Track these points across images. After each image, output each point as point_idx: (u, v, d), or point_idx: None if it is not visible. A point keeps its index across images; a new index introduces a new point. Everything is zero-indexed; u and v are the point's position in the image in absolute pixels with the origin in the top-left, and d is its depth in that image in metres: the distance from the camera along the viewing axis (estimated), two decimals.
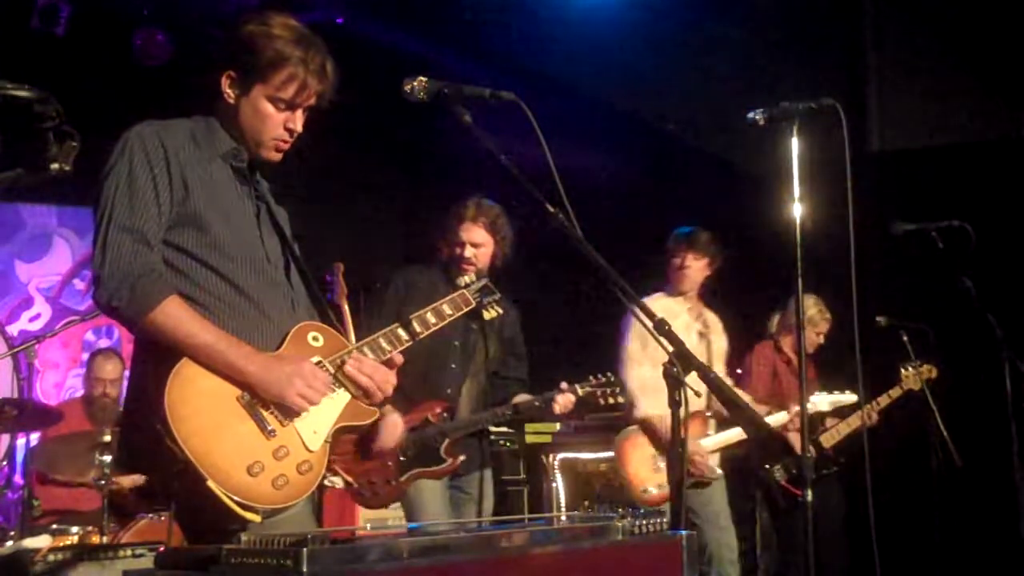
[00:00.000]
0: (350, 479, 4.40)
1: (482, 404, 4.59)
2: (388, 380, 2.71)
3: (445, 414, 4.47)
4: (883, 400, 5.65)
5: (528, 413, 4.59)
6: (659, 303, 5.06)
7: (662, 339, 2.57)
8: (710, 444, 5.04)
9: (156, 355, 2.47)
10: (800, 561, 5.16)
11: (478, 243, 4.53)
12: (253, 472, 2.42)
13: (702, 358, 5.05)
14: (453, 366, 4.53)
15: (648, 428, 4.96)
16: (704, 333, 5.17)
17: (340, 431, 2.66)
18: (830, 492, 5.82)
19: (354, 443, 4.37)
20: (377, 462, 4.38)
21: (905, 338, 5.56)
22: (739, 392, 5.01)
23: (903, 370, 5.62)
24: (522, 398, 4.57)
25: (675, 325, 4.99)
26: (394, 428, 4.26)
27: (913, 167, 6.99)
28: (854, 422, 5.66)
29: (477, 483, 4.59)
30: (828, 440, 5.76)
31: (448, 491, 4.54)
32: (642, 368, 4.90)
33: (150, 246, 2.50)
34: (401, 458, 4.38)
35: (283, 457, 2.49)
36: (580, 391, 4.53)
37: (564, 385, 4.51)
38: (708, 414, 5.02)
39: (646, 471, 4.95)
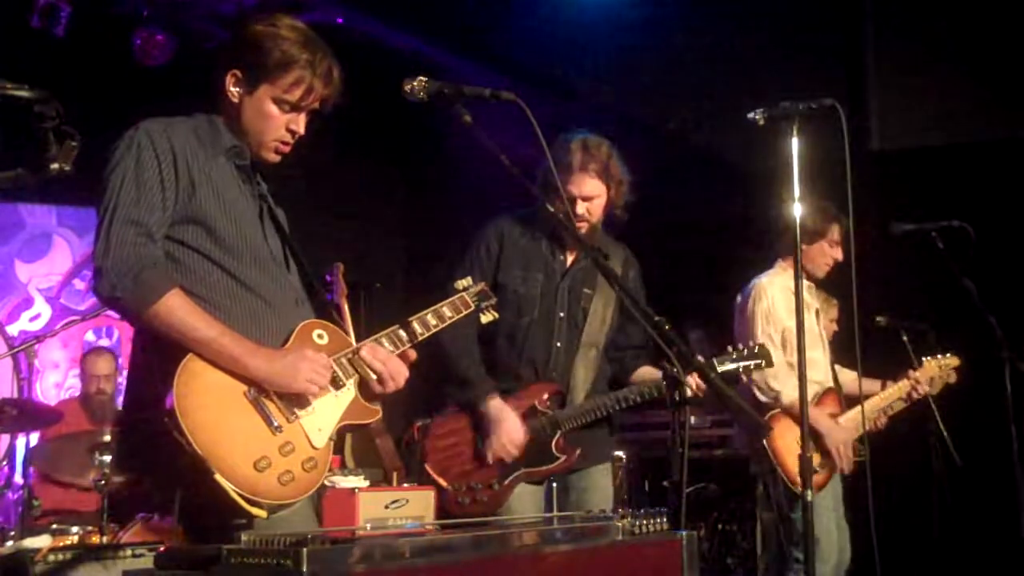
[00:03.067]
0: (444, 482, 3.87)
1: (600, 384, 3.99)
2: (400, 371, 2.73)
3: (554, 400, 3.89)
4: (897, 405, 5.48)
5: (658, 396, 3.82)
6: (780, 279, 4.82)
7: (660, 339, 2.56)
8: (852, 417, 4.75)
9: (161, 350, 2.48)
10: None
11: (591, 195, 3.89)
12: (260, 467, 2.43)
13: (815, 335, 4.84)
14: (558, 344, 3.93)
15: (795, 413, 4.48)
16: (819, 311, 4.98)
17: (343, 429, 2.67)
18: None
19: (449, 439, 3.89)
20: (476, 462, 3.84)
21: (905, 338, 5.55)
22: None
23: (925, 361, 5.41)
24: (646, 372, 4.00)
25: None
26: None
27: (913, 167, 6.99)
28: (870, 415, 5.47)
29: (589, 478, 3.95)
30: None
31: (548, 492, 3.94)
32: (776, 351, 4.52)
33: (153, 240, 2.52)
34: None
35: (289, 453, 2.50)
36: (719, 366, 3.86)
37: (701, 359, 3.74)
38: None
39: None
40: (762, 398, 4.64)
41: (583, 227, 3.89)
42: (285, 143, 2.75)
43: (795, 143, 3.28)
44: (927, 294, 5.63)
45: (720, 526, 6.23)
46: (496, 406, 3.81)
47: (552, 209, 3.60)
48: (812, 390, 4.71)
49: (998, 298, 4.83)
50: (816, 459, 4.60)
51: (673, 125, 7.90)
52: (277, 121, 2.70)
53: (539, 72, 7.94)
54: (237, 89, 2.70)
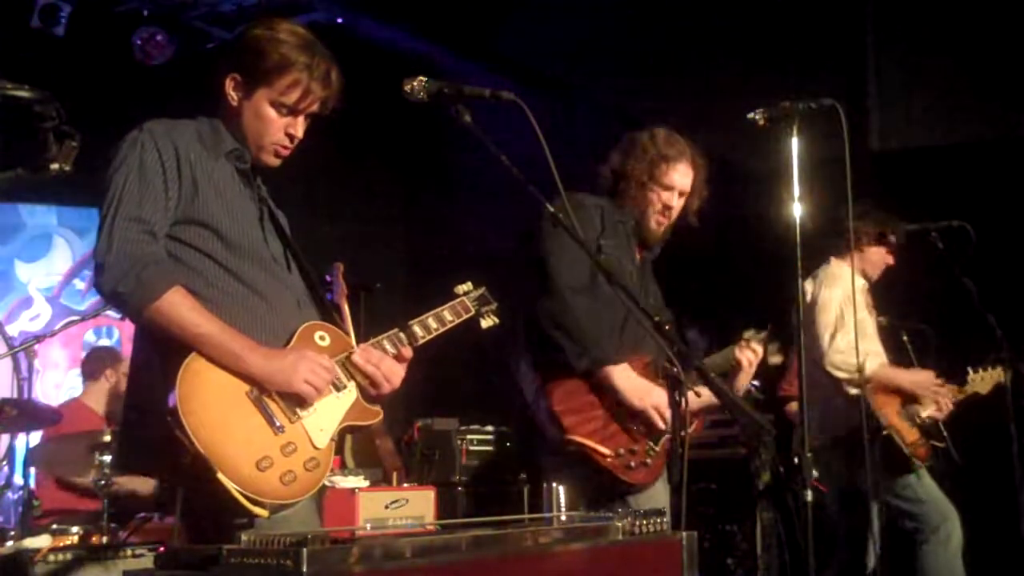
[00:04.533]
0: (607, 449, 3.48)
1: None
2: (395, 371, 2.73)
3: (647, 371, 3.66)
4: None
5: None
6: (859, 282, 4.90)
7: (660, 339, 2.56)
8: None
9: (163, 350, 2.49)
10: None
11: (685, 190, 3.80)
12: (262, 467, 2.43)
13: (873, 333, 4.93)
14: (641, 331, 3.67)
15: (883, 383, 4.75)
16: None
17: (345, 430, 2.67)
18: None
19: (579, 402, 3.52)
20: (621, 425, 3.54)
21: (905, 338, 5.54)
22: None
23: (971, 372, 5.29)
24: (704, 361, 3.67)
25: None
26: None
27: (913, 167, 6.99)
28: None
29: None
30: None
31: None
32: (847, 335, 4.66)
33: (156, 238, 2.54)
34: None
35: (291, 453, 2.50)
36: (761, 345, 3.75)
37: (748, 334, 3.80)
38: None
39: (906, 425, 4.80)
40: (841, 375, 4.68)
41: (664, 223, 3.81)
42: (284, 147, 2.76)
43: (795, 143, 3.27)
44: (927, 294, 5.63)
45: (720, 526, 6.22)
46: (627, 368, 3.55)
47: (642, 197, 3.71)
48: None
49: (998, 298, 4.83)
50: (915, 435, 4.78)
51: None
52: (275, 124, 2.71)
53: (539, 72, 7.95)
54: (236, 93, 2.71)
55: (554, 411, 3.53)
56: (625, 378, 3.55)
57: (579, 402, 3.55)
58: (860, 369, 4.57)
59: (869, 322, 4.85)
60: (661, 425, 3.51)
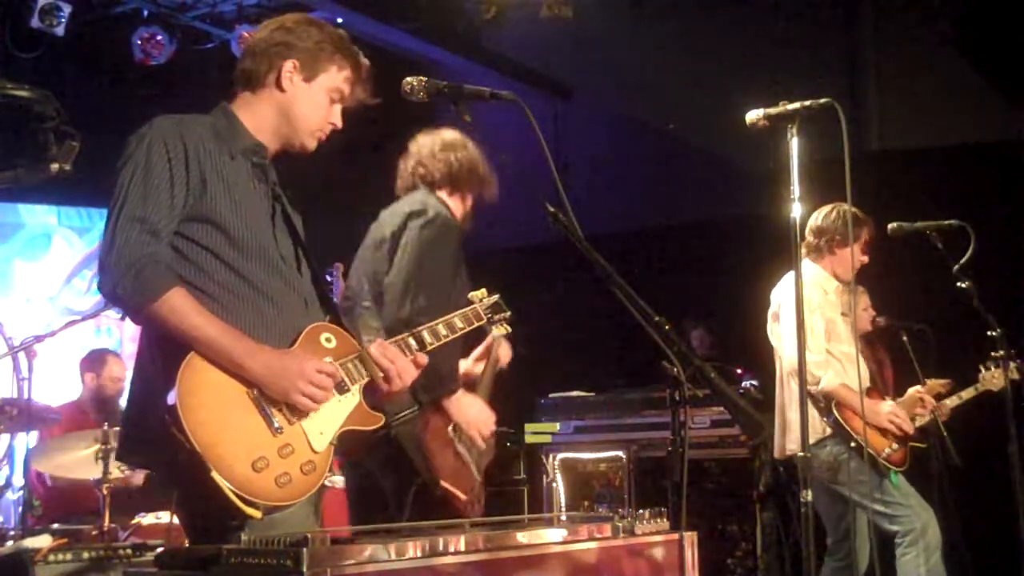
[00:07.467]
0: (463, 495, 3.53)
1: None
2: (408, 369, 2.75)
3: None
4: (952, 401, 5.33)
5: None
6: (832, 283, 4.93)
7: (660, 340, 2.56)
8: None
9: (166, 347, 2.49)
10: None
11: None
12: (257, 468, 2.42)
13: (850, 336, 4.83)
14: None
15: (843, 399, 4.67)
16: (846, 314, 4.99)
17: (345, 435, 2.66)
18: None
19: (440, 442, 3.50)
20: (462, 461, 3.60)
21: (905, 338, 5.54)
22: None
23: (983, 370, 5.27)
24: None
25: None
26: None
27: (913, 167, 6.99)
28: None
29: None
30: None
31: None
32: (816, 339, 4.67)
33: (158, 237, 2.53)
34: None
35: (288, 455, 2.49)
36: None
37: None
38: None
39: (877, 433, 4.76)
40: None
41: None
42: (326, 133, 2.88)
43: (795, 143, 3.27)
44: (927, 294, 5.63)
45: (720, 526, 6.23)
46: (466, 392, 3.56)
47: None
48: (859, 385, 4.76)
49: (998, 298, 4.83)
50: (886, 443, 4.77)
51: (673, 125, 7.92)
52: (327, 112, 2.84)
53: (539, 72, 7.96)
54: (296, 76, 2.80)
55: (428, 448, 3.48)
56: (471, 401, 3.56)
57: (438, 438, 3.49)
58: (816, 382, 4.61)
59: (842, 325, 4.84)
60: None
